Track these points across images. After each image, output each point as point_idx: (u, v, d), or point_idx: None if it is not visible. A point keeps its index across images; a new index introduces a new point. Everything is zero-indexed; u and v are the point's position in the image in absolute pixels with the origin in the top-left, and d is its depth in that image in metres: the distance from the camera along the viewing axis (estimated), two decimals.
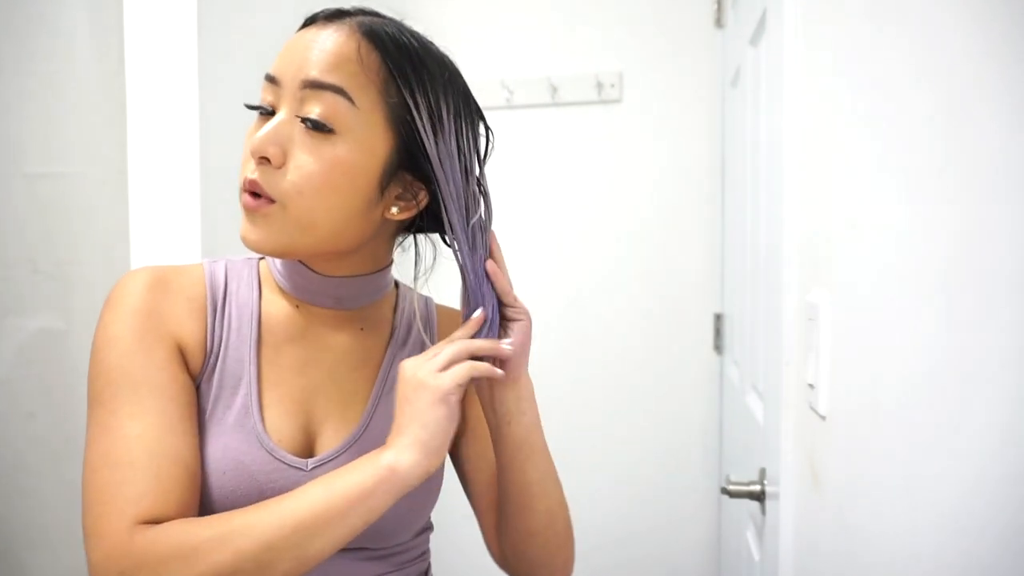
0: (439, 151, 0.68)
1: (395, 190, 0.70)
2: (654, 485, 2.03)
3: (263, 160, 0.66)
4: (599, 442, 2.06)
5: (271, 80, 0.67)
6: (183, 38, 1.33)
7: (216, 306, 0.73)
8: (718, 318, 1.97)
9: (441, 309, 0.87)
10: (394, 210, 0.71)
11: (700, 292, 1.99)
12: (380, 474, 0.62)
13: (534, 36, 2.08)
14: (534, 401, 0.75)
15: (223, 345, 0.72)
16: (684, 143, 1.99)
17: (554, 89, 2.04)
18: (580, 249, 2.07)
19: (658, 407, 2.03)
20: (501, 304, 0.73)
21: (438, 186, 0.69)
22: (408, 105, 0.67)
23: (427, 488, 0.78)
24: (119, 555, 0.58)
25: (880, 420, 0.63)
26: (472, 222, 0.70)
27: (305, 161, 0.65)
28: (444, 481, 0.82)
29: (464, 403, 0.84)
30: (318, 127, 0.65)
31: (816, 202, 0.85)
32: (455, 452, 0.85)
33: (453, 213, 0.69)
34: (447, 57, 0.73)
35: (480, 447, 0.83)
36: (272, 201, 0.66)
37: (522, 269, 2.11)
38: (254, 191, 0.66)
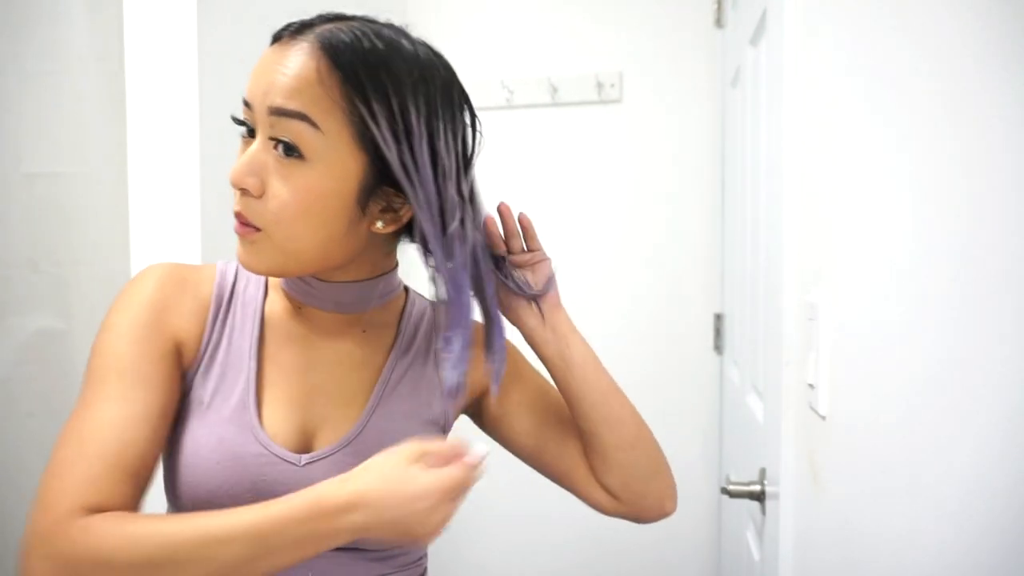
0: (403, 159, 0.66)
1: (377, 205, 0.70)
2: None
3: (244, 191, 0.67)
4: None
5: (246, 103, 0.68)
6: (183, 38, 1.33)
7: (220, 304, 0.75)
8: (718, 318, 1.97)
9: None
10: (379, 224, 0.70)
11: (700, 292, 1.99)
12: (310, 510, 0.59)
13: (534, 36, 2.08)
14: (574, 328, 0.83)
15: (226, 341, 0.74)
16: (684, 143, 1.99)
17: (554, 89, 2.04)
18: (580, 249, 2.07)
19: (658, 407, 2.02)
20: (511, 257, 0.80)
21: (407, 196, 0.67)
22: (379, 118, 0.65)
23: None
24: (51, 538, 0.58)
25: (880, 420, 0.63)
26: (449, 231, 0.69)
27: (280, 190, 0.65)
28: None
29: (492, 395, 0.83)
30: (289, 151, 0.65)
31: (816, 202, 0.85)
32: (513, 440, 0.85)
33: (426, 222, 0.67)
34: (422, 50, 0.69)
35: (537, 419, 0.84)
36: (258, 229, 0.67)
37: None
38: (242, 221, 0.68)
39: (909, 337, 0.58)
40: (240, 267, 0.78)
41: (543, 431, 0.84)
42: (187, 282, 0.74)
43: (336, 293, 0.75)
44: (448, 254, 0.70)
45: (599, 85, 2.02)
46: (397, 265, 0.80)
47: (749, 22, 1.36)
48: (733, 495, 1.12)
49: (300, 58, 0.65)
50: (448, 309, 0.71)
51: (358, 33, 0.66)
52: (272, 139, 0.66)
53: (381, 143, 0.65)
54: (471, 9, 2.12)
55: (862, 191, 0.69)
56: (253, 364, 0.73)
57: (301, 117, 0.64)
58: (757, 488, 1.09)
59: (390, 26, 0.70)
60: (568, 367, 0.80)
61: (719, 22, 1.93)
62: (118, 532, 0.59)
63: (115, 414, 0.65)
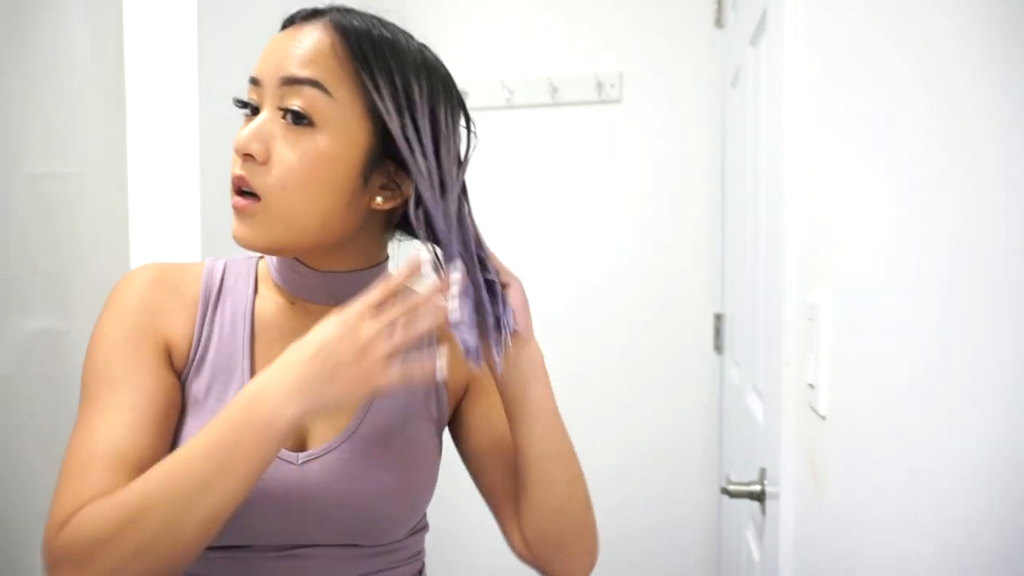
0: (404, 126, 0.68)
1: (379, 180, 0.71)
2: (654, 485, 2.03)
3: (248, 157, 0.68)
4: (599, 442, 2.05)
5: (254, 82, 0.70)
6: (183, 38, 1.33)
7: (208, 302, 0.75)
8: (718, 318, 1.97)
9: None
10: (379, 200, 0.71)
11: (700, 292, 1.99)
12: (254, 423, 0.60)
13: (534, 36, 2.08)
14: (545, 367, 0.75)
15: (215, 339, 0.74)
16: (684, 143, 1.99)
17: (554, 89, 2.04)
18: (580, 249, 2.07)
19: (658, 407, 2.03)
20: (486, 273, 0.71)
21: (408, 165, 0.68)
22: (392, 92, 0.68)
23: (422, 486, 0.78)
24: (49, 547, 0.61)
25: (880, 420, 0.63)
26: (449, 198, 0.69)
27: (287, 155, 0.67)
28: (443, 483, 0.82)
29: (472, 396, 0.83)
30: (298, 119, 0.66)
31: (816, 202, 0.85)
32: (464, 447, 0.84)
33: (426, 190, 0.68)
34: (428, 51, 0.74)
35: (492, 438, 0.82)
36: (258, 199, 0.68)
37: (521, 269, 2.11)
38: (241, 187, 0.68)
39: (909, 337, 0.58)
40: (228, 265, 0.79)
41: (488, 457, 0.82)
42: (173, 283, 0.74)
43: (328, 284, 0.75)
44: (449, 224, 0.69)
45: (599, 85, 2.02)
46: (388, 259, 0.80)
47: (749, 22, 1.36)
48: (733, 495, 1.12)
49: (315, 34, 0.68)
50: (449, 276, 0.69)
51: (368, 21, 0.70)
52: (281, 109, 0.67)
53: (384, 112, 0.67)
54: (471, 9, 2.12)
55: (862, 191, 0.69)
56: (247, 362, 0.74)
57: (314, 84, 0.66)
58: (757, 488, 1.09)
59: (395, 25, 0.73)
60: (519, 412, 0.74)
61: (719, 22, 1.93)
62: (98, 509, 0.60)
63: (109, 423, 0.65)
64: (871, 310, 0.66)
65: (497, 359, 0.71)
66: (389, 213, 0.75)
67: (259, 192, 0.67)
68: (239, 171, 0.68)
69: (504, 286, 0.73)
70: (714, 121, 1.95)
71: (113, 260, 1.40)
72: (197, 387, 0.72)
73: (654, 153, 2.01)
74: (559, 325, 2.07)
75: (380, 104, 0.67)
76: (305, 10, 0.71)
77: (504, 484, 0.80)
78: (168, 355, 0.72)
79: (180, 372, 0.73)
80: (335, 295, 0.75)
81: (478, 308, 0.70)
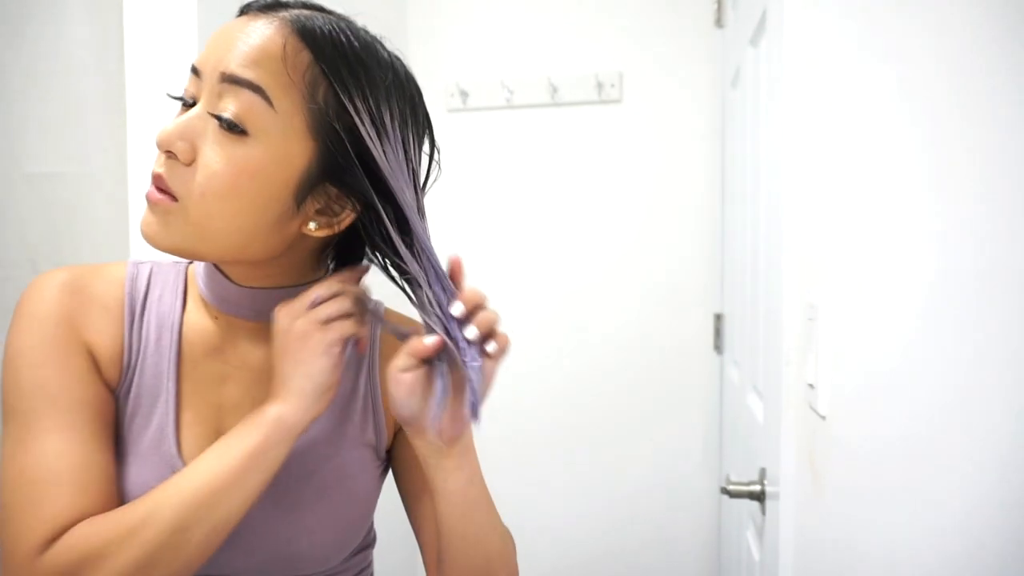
0: (388, 158, 0.62)
1: (314, 204, 0.64)
2: (654, 485, 2.03)
3: (170, 155, 0.61)
4: (599, 442, 2.06)
5: (194, 71, 0.63)
6: (183, 38, 1.33)
7: (134, 314, 0.69)
8: (718, 318, 1.97)
9: (390, 315, 0.79)
10: (312, 226, 0.65)
11: (700, 292, 1.99)
12: (268, 427, 0.62)
13: (534, 36, 2.08)
14: (473, 454, 0.69)
15: (140, 357, 0.68)
16: (684, 143, 1.99)
17: (554, 89, 2.04)
18: (580, 249, 2.07)
19: (658, 407, 2.03)
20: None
21: (393, 195, 0.62)
22: (346, 109, 0.61)
23: (352, 520, 0.74)
24: (30, 571, 0.58)
25: (880, 420, 0.63)
26: (426, 241, 0.64)
27: (212, 161, 0.60)
28: (389, 499, 0.79)
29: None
30: (231, 127, 0.59)
31: (816, 202, 0.85)
32: (398, 482, 0.80)
33: (417, 226, 0.63)
34: (396, 60, 0.66)
35: (423, 483, 0.74)
36: (175, 199, 0.61)
37: (521, 269, 2.12)
38: (159, 186, 0.62)
39: (909, 336, 0.58)
40: (154, 271, 0.72)
41: (419, 502, 0.77)
42: (87, 289, 0.68)
43: (253, 300, 0.69)
44: (426, 259, 0.64)
45: (599, 85, 2.02)
46: (324, 275, 0.72)
47: (749, 22, 1.36)
48: (733, 495, 1.12)
49: (266, 31, 0.61)
50: (437, 322, 0.63)
51: (336, 25, 0.62)
52: (213, 115, 0.60)
53: (364, 134, 0.61)
54: (471, 9, 2.12)
55: (862, 191, 0.69)
56: (172, 386, 0.68)
57: (255, 88, 0.59)
58: (757, 488, 1.09)
59: (366, 31, 0.66)
60: (436, 495, 0.68)
61: (719, 22, 1.93)
62: (92, 525, 0.59)
63: (61, 445, 0.61)
64: (871, 310, 0.66)
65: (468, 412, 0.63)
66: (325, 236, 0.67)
67: (177, 195, 0.61)
68: (159, 169, 0.61)
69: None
70: (714, 121, 1.95)
71: (113, 260, 1.40)
72: (120, 413, 0.67)
73: (654, 153, 2.02)
74: (559, 325, 2.07)
75: (361, 127, 0.61)
76: (265, 0, 0.64)
77: (430, 533, 0.75)
78: (98, 367, 0.66)
79: (112, 387, 0.67)
80: (259, 310, 0.69)
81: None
